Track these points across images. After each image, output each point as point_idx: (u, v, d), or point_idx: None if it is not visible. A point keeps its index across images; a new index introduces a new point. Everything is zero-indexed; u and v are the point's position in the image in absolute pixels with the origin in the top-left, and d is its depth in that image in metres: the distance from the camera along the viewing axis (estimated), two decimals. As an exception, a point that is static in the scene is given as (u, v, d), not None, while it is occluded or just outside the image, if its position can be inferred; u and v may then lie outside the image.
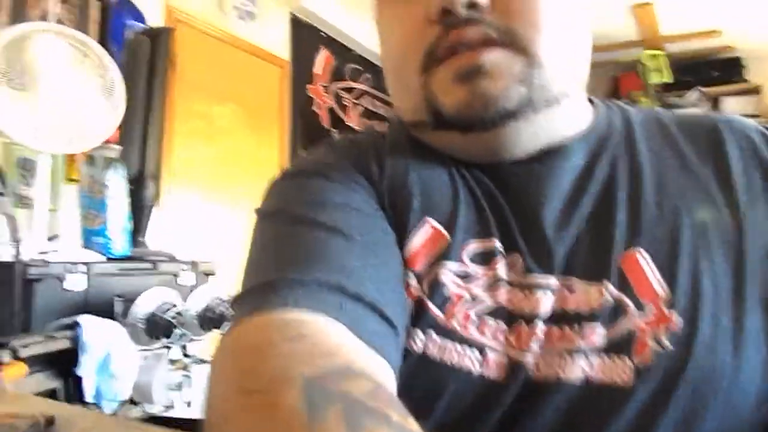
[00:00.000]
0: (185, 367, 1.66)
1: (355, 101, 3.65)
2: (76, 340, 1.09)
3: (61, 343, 1.04)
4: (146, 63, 1.90)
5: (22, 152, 1.67)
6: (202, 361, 1.69)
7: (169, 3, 2.39)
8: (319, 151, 0.52)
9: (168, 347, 1.63)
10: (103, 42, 2.07)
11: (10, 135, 1.51)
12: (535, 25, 0.43)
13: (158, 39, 1.92)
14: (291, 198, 0.46)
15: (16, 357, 0.89)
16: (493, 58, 0.42)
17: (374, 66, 3.79)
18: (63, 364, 1.08)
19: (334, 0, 3.33)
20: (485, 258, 0.44)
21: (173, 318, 1.59)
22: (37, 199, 1.64)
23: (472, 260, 0.44)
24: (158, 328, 1.54)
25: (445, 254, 0.43)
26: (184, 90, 2.41)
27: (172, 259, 1.98)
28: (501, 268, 0.43)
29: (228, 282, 2.22)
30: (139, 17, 2.22)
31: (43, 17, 1.88)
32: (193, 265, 1.94)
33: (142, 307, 1.56)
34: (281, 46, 3.07)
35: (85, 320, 1.15)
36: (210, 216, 2.59)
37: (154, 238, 2.08)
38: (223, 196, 2.67)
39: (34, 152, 1.64)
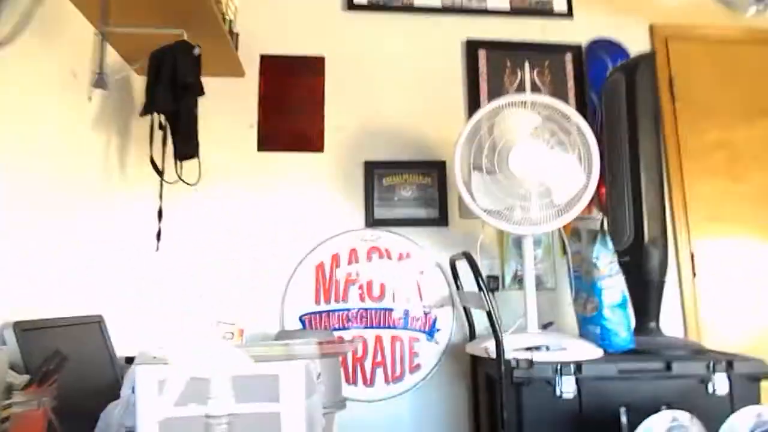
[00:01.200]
0: None
1: None
2: None
3: None
4: (627, 104, 1.51)
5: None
6: None
7: (653, 22, 1.94)
8: None
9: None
10: (581, 93, 1.83)
11: (488, 222, 1.41)
12: None
13: (638, 70, 1.51)
14: None
15: None
16: None
17: None
18: None
19: None
20: None
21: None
22: (527, 283, 1.47)
23: None
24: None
25: None
26: (687, 120, 1.87)
27: (696, 354, 1.44)
28: None
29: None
30: (621, 51, 1.87)
31: (519, 86, 1.80)
32: (729, 365, 1.33)
33: (652, 438, 1.11)
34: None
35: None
36: (757, 286, 1.87)
37: (669, 324, 1.59)
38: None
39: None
